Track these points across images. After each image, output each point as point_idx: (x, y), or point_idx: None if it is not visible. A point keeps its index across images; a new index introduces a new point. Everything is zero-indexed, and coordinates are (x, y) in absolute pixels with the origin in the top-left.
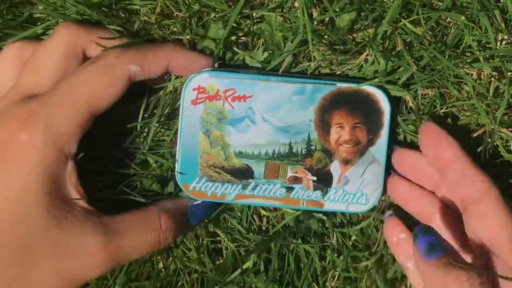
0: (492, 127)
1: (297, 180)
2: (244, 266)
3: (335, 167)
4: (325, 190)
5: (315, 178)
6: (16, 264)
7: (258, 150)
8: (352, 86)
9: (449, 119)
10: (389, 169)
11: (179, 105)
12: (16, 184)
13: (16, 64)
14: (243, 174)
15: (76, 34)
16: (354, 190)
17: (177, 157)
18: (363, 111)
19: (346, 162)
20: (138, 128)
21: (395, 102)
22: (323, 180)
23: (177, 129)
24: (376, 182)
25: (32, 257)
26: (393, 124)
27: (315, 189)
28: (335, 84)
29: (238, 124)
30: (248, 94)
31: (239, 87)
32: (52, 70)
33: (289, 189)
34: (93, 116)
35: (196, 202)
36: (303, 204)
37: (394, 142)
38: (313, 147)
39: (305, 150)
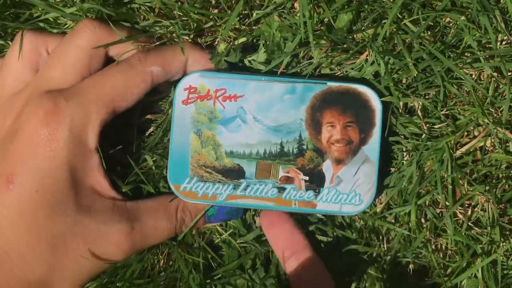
0: (493, 127)
1: (289, 180)
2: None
3: (327, 167)
4: (317, 190)
5: (307, 178)
6: (49, 254)
7: (250, 149)
8: (343, 85)
9: (449, 120)
10: (382, 168)
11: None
12: (46, 178)
13: (31, 55)
14: (234, 174)
15: (100, 33)
16: (348, 190)
17: (168, 157)
18: (354, 110)
19: (339, 162)
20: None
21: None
22: (316, 180)
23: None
24: (370, 182)
25: (65, 247)
26: (386, 124)
27: (307, 189)
28: (326, 83)
29: (229, 123)
30: (239, 94)
31: (230, 87)
32: (76, 67)
33: (281, 190)
34: (115, 113)
35: (216, 207)
36: (295, 205)
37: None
38: (304, 146)
39: (297, 149)
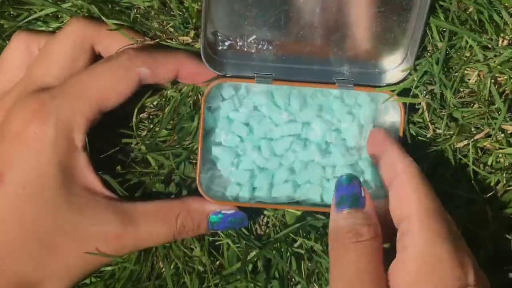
0: (493, 127)
1: None
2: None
3: None
4: None
5: None
6: (38, 251)
7: None
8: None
9: (448, 120)
10: None
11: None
12: (32, 175)
13: (24, 54)
14: None
15: (86, 29)
16: None
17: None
18: None
19: None
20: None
21: None
22: None
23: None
24: None
25: (53, 244)
26: None
27: None
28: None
29: None
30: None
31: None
32: (62, 62)
33: None
34: (102, 111)
35: (220, 214)
36: None
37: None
38: None
39: None
